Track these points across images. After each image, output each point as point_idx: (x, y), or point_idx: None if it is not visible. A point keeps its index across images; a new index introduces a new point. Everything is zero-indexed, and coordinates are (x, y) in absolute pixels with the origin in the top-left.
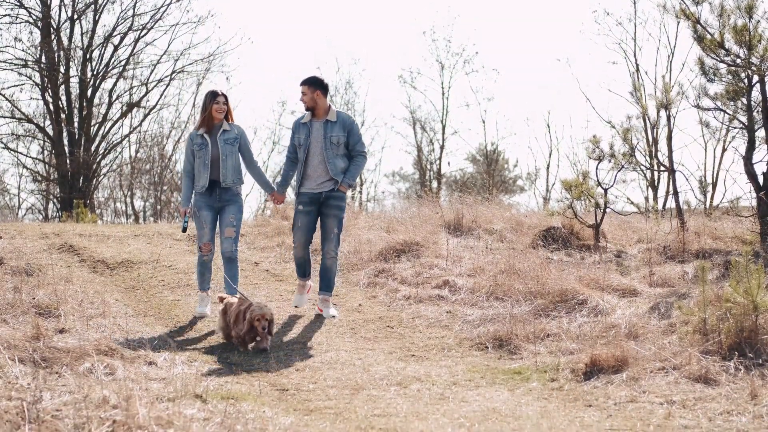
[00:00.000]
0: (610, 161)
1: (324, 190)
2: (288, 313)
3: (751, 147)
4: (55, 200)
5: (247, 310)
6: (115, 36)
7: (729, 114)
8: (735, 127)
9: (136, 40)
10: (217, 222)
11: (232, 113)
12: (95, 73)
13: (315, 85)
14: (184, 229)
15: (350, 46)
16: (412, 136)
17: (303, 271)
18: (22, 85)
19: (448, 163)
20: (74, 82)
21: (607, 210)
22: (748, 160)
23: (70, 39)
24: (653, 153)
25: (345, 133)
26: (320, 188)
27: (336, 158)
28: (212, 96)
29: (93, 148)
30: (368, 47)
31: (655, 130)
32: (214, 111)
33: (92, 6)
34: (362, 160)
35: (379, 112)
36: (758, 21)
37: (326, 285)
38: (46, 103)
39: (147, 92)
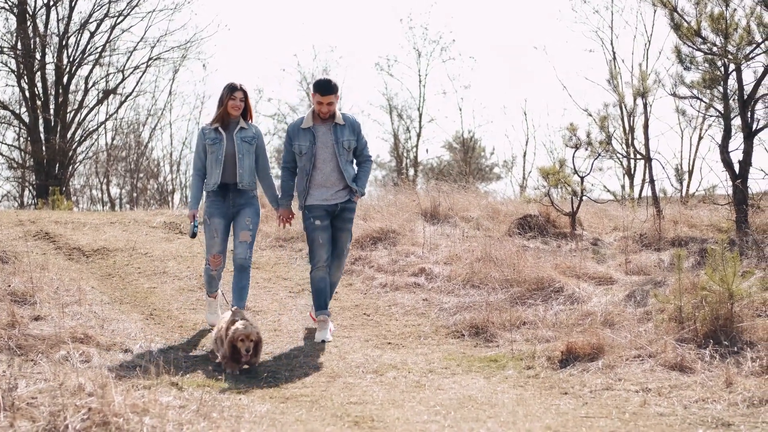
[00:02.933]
0: (586, 149)
1: (339, 201)
2: (264, 301)
3: (727, 135)
4: (30, 187)
5: (229, 331)
6: (92, 22)
7: (705, 102)
8: (711, 116)
9: (113, 27)
10: (230, 228)
11: (252, 111)
12: (71, 59)
13: (338, 92)
14: (194, 235)
15: (327, 33)
16: (389, 123)
17: (325, 299)
18: None
19: (426, 150)
20: (50, 68)
21: (584, 198)
22: (724, 148)
23: (46, 25)
24: (630, 141)
25: (355, 136)
26: (335, 199)
27: (348, 164)
28: (230, 90)
29: (69, 135)
30: (345, 34)
31: (631, 118)
32: (230, 107)
33: None
34: (371, 165)
35: (355, 100)
36: (735, 9)
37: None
38: (21, 89)
39: (123, 79)
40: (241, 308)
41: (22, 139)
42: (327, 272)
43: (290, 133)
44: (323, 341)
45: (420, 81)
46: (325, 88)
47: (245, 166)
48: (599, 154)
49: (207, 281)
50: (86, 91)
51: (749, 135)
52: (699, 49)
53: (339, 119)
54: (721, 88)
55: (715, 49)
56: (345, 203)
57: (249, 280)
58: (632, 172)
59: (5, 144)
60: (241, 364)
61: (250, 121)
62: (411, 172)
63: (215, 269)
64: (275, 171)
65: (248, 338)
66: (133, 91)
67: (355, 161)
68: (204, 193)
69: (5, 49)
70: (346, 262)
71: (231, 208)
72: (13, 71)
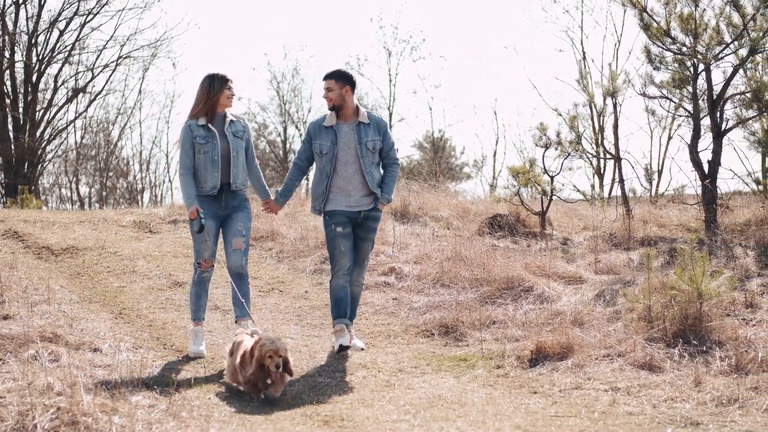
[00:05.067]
0: (556, 149)
1: (363, 209)
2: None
3: (696, 135)
4: None
5: (255, 347)
6: (61, 21)
7: (675, 102)
8: (681, 116)
9: (82, 25)
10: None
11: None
12: (40, 58)
13: (344, 80)
14: (200, 229)
15: (298, 32)
16: None
17: (345, 309)
18: None
19: (397, 149)
20: (19, 67)
21: (554, 197)
22: (693, 148)
23: (15, 23)
24: (600, 141)
25: (381, 137)
26: (358, 206)
27: (373, 168)
28: (222, 81)
29: (38, 134)
30: (316, 33)
31: (601, 118)
32: (226, 99)
33: None
34: (397, 169)
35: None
36: (704, 9)
37: (352, 313)
38: None
39: (93, 78)
40: (246, 317)
41: None
42: (348, 281)
43: (311, 131)
44: (341, 346)
45: (390, 80)
46: (327, 73)
47: (239, 164)
48: (569, 154)
49: (194, 300)
50: (55, 90)
51: (718, 135)
52: (668, 49)
53: (363, 117)
54: (690, 88)
55: (684, 49)
56: (369, 211)
57: (248, 286)
58: (602, 171)
59: None
60: (265, 388)
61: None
62: None
63: (206, 271)
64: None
65: (277, 354)
66: (102, 89)
67: (380, 164)
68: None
69: None
70: (365, 272)
71: (222, 210)
72: None
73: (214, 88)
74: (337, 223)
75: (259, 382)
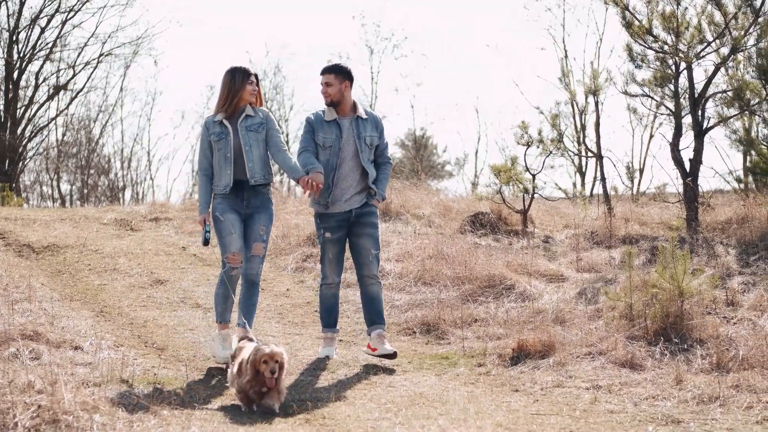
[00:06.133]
0: (538, 147)
1: (354, 207)
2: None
3: (677, 133)
4: None
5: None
6: (42, 18)
7: (656, 100)
8: (662, 114)
9: (64, 23)
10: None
11: (262, 96)
12: (21, 55)
13: (343, 75)
14: (206, 242)
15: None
16: None
17: (333, 318)
18: None
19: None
20: (0, 64)
21: (535, 195)
22: (674, 146)
23: None
24: (581, 139)
25: (377, 133)
26: (349, 205)
27: (369, 164)
28: (244, 75)
29: (19, 131)
30: (298, 31)
31: (583, 116)
32: (248, 94)
33: None
34: (390, 169)
35: (308, 97)
36: (686, 8)
37: (378, 316)
38: None
39: (74, 75)
40: (249, 325)
41: None
42: (338, 289)
43: (312, 123)
44: (327, 357)
45: (372, 78)
46: (326, 66)
47: (254, 158)
48: (551, 152)
49: (220, 301)
50: (36, 87)
51: (700, 133)
52: (650, 48)
53: (361, 113)
54: (672, 87)
55: (666, 47)
56: (360, 208)
57: (258, 295)
58: (584, 169)
59: None
60: (258, 399)
61: (257, 107)
62: None
63: (236, 267)
64: None
65: (272, 359)
66: (84, 87)
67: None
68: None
69: None
70: (377, 268)
71: (245, 208)
72: None
73: (236, 82)
74: (326, 228)
75: (250, 390)
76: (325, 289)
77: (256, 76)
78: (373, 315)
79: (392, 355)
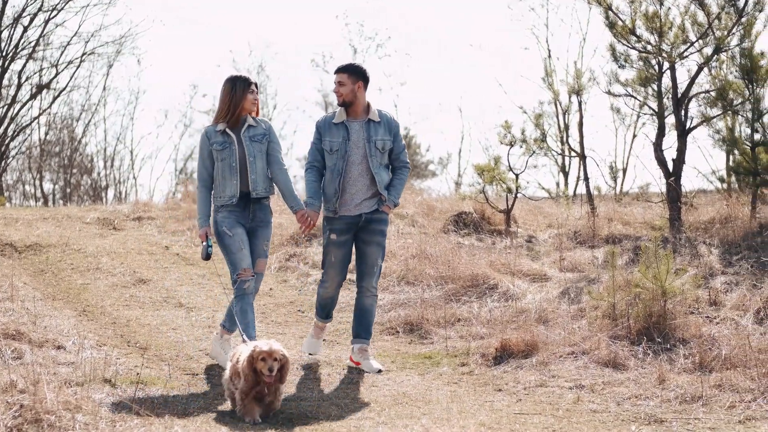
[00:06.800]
0: (521, 146)
1: (364, 212)
2: (199, 297)
3: (661, 133)
4: None
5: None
6: (25, 17)
7: (639, 100)
8: (645, 114)
9: (46, 21)
10: None
11: (259, 105)
12: (4, 54)
13: (357, 75)
14: (208, 256)
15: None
16: None
17: (328, 312)
18: None
19: None
20: None
21: (519, 195)
22: (658, 146)
23: None
24: (564, 138)
25: (391, 137)
26: (359, 209)
27: (381, 169)
28: (245, 84)
29: (1, 130)
30: (282, 30)
31: (566, 116)
32: (249, 103)
33: None
34: (407, 173)
35: (291, 96)
36: (669, 8)
37: (365, 330)
38: None
39: (57, 74)
40: (231, 331)
41: None
42: (337, 291)
43: (320, 128)
44: (310, 354)
45: None
46: (340, 66)
47: (257, 169)
48: (534, 152)
49: (241, 318)
50: (19, 86)
51: (683, 133)
52: (634, 48)
53: (374, 115)
54: (655, 87)
55: (649, 47)
56: (371, 213)
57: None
58: (567, 169)
59: None
60: (262, 406)
61: (257, 116)
62: None
63: (248, 280)
64: None
65: (270, 356)
66: (66, 86)
67: (390, 167)
68: (213, 205)
69: None
70: (377, 280)
71: (250, 222)
72: None
73: (237, 92)
74: (333, 230)
75: (245, 397)
76: (322, 291)
77: (256, 84)
78: (360, 330)
79: (378, 373)
